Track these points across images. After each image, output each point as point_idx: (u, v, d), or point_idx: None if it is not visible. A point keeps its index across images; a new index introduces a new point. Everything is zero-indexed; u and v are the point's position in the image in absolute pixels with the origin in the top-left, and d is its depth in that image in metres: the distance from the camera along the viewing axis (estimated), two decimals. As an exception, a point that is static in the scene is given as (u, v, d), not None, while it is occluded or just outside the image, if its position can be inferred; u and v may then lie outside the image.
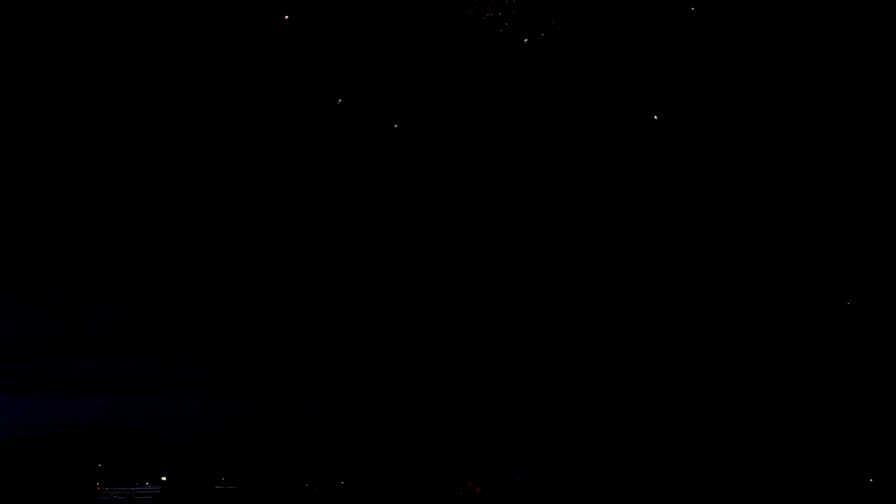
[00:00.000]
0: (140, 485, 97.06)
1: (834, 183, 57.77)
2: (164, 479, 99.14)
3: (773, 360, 64.72)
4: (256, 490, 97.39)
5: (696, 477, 68.19)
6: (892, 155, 55.18)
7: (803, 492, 59.09)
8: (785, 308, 62.71)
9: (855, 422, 60.95)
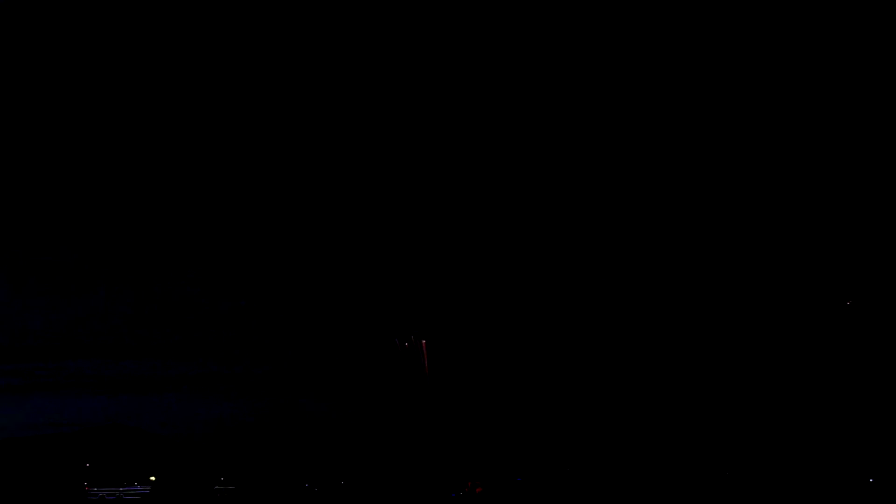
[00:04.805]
0: (129, 485, 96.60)
1: (834, 183, 57.90)
2: (152, 479, 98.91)
3: (773, 360, 64.84)
4: (256, 490, 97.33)
5: (696, 477, 68.29)
6: (892, 155, 55.33)
7: (803, 492, 59.16)
8: (785, 308, 62.83)
9: (855, 422, 61.08)
